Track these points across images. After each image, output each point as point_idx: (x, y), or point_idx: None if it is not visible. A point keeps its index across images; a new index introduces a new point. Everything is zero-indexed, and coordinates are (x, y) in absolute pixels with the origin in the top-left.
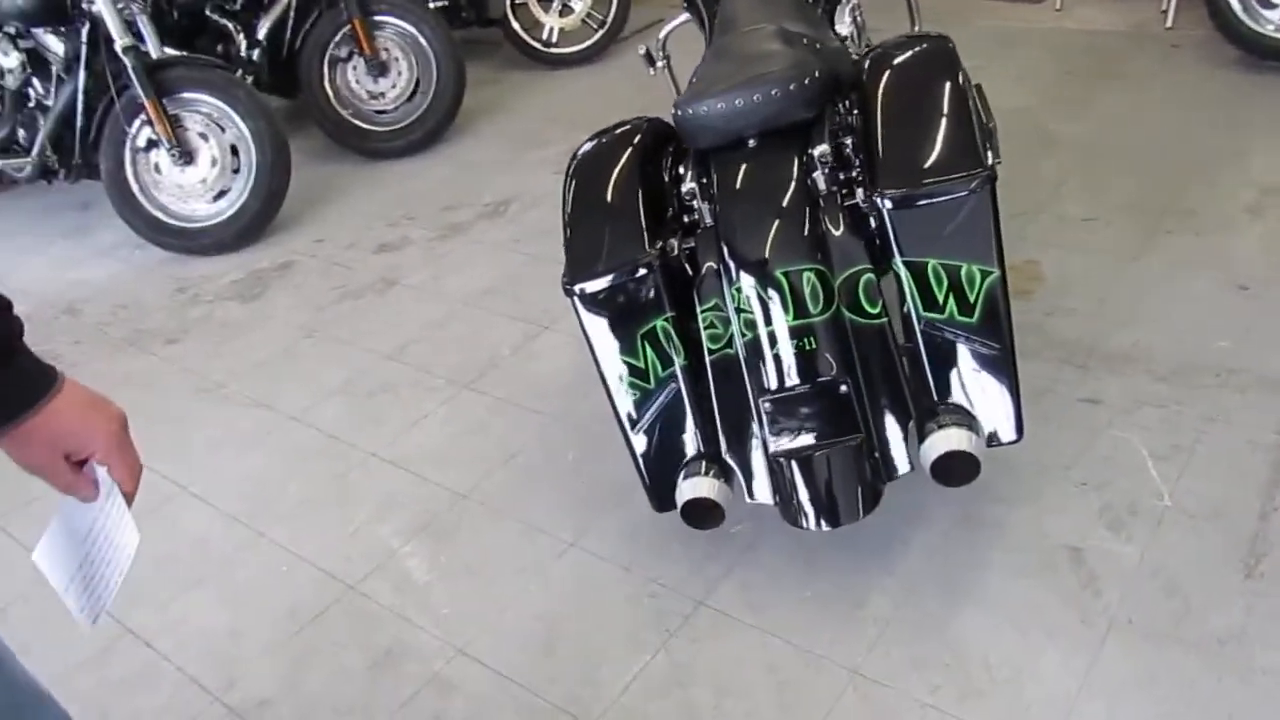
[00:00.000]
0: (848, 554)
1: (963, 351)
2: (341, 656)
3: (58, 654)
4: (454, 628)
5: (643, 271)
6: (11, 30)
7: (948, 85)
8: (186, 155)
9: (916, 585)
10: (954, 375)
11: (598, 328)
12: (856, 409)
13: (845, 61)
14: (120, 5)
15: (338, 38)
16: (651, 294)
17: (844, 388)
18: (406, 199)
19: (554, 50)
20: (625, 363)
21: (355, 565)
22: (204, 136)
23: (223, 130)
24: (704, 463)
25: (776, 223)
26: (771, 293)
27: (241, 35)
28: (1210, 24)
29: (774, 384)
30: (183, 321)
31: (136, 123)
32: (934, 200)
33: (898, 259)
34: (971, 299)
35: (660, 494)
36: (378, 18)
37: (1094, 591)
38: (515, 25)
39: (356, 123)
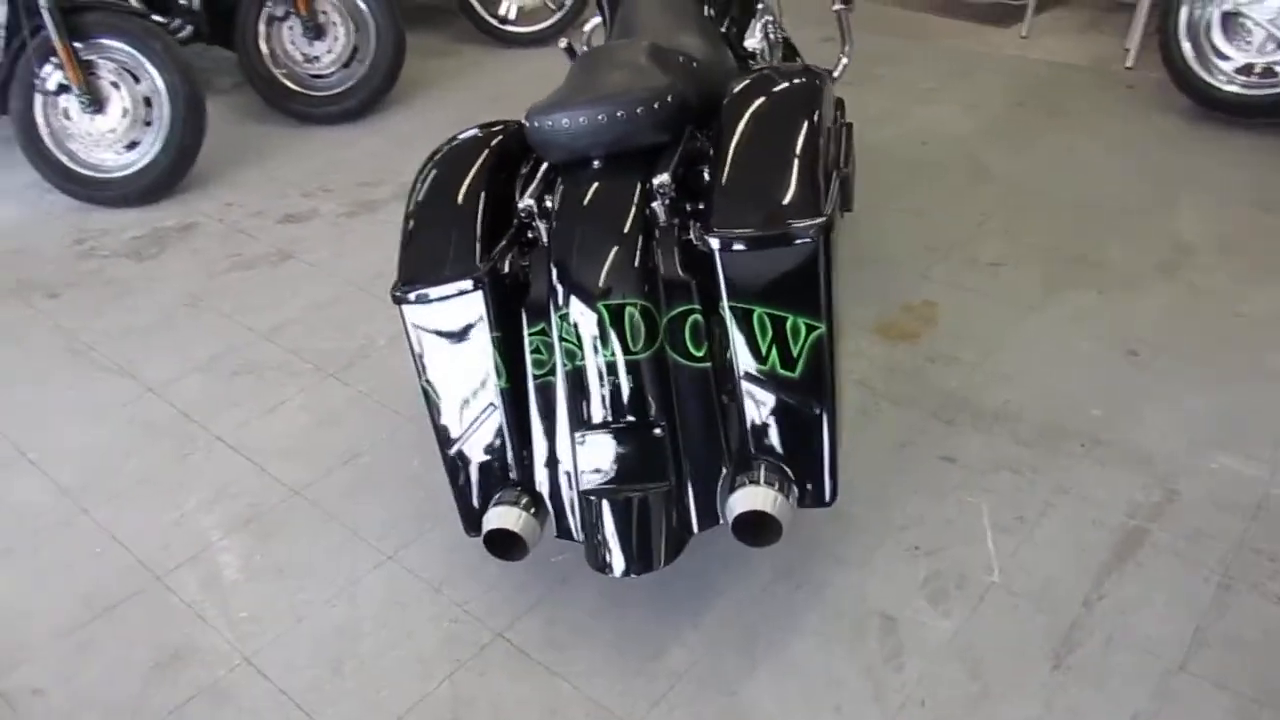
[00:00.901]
0: (660, 598)
1: (782, 406)
2: (128, 651)
3: None
4: (247, 633)
5: (469, 286)
6: None
7: (803, 125)
8: (96, 103)
9: (719, 641)
10: (772, 429)
11: (422, 340)
12: (670, 454)
13: (724, 84)
14: None
15: None
16: (479, 310)
17: (658, 430)
18: (327, 169)
19: (509, 29)
20: (445, 378)
21: (169, 555)
22: (116, 85)
23: (137, 81)
24: (515, 491)
25: (605, 251)
26: (593, 324)
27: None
28: None
29: (589, 418)
30: (71, 275)
31: (48, 65)
32: (763, 246)
33: (724, 302)
34: (795, 352)
35: (469, 517)
36: None
37: (896, 666)
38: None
39: (289, 84)
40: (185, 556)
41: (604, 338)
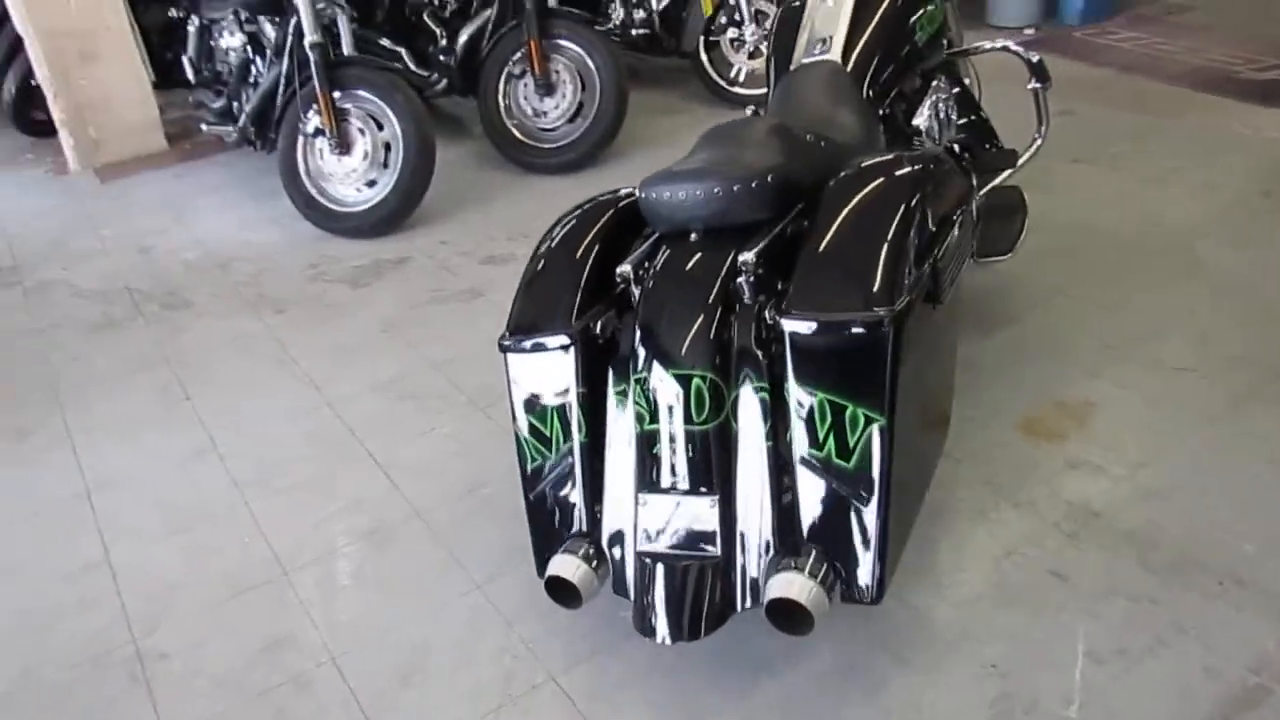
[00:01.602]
0: (713, 667)
1: (834, 496)
2: (244, 633)
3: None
4: (341, 635)
5: (563, 343)
6: (241, 15)
7: (897, 213)
8: (344, 146)
9: None
10: (822, 518)
11: (518, 388)
12: (723, 526)
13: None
14: (321, 5)
15: (517, 55)
16: (568, 367)
17: (714, 502)
18: (534, 216)
19: (737, 90)
20: (533, 426)
21: (300, 553)
22: (362, 131)
23: (380, 128)
24: (581, 542)
25: (684, 322)
26: (664, 391)
27: (444, 39)
28: None
29: (652, 481)
30: (299, 295)
31: (311, 110)
32: (829, 331)
33: (789, 384)
34: (851, 444)
35: (540, 560)
36: (555, 40)
37: None
38: (705, 61)
39: (519, 136)
40: (312, 557)
41: (672, 405)
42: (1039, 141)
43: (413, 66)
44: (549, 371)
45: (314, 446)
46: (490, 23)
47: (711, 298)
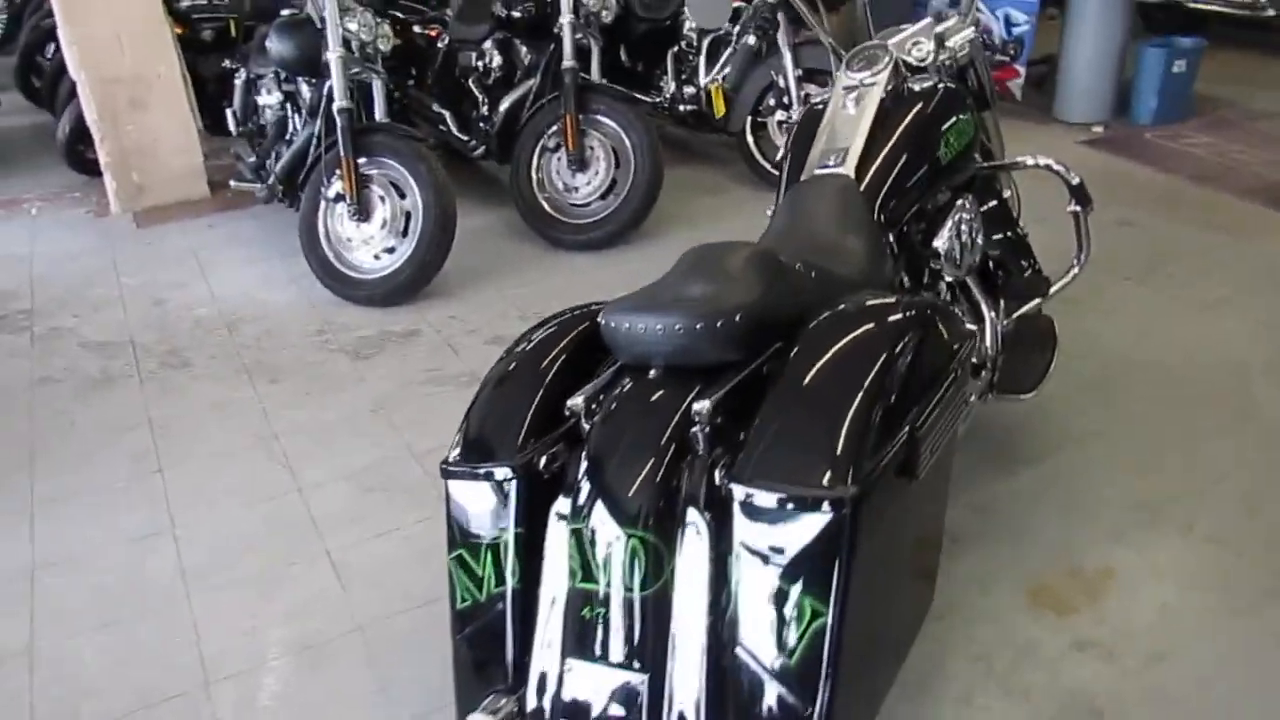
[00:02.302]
0: None
1: (772, 690)
2: None
3: None
4: None
5: (504, 476)
6: (279, 74)
7: (870, 373)
8: (363, 212)
9: None
10: (759, 711)
11: (455, 517)
12: (648, 709)
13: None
14: (356, 70)
15: (553, 128)
16: (506, 503)
17: (640, 680)
18: (551, 295)
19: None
20: (465, 562)
21: (226, 662)
22: (383, 198)
23: (402, 196)
24: (501, 700)
25: (627, 474)
26: (600, 548)
27: (486, 106)
28: None
29: (579, 648)
30: (297, 362)
31: (335, 175)
32: (779, 507)
33: (734, 556)
34: (794, 637)
35: (461, 713)
36: (594, 115)
37: None
38: (750, 142)
39: (549, 209)
40: (237, 669)
41: (607, 565)
42: (1075, 271)
43: (454, 130)
44: (487, 504)
45: (272, 537)
46: (532, 93)
47: (661, 447)
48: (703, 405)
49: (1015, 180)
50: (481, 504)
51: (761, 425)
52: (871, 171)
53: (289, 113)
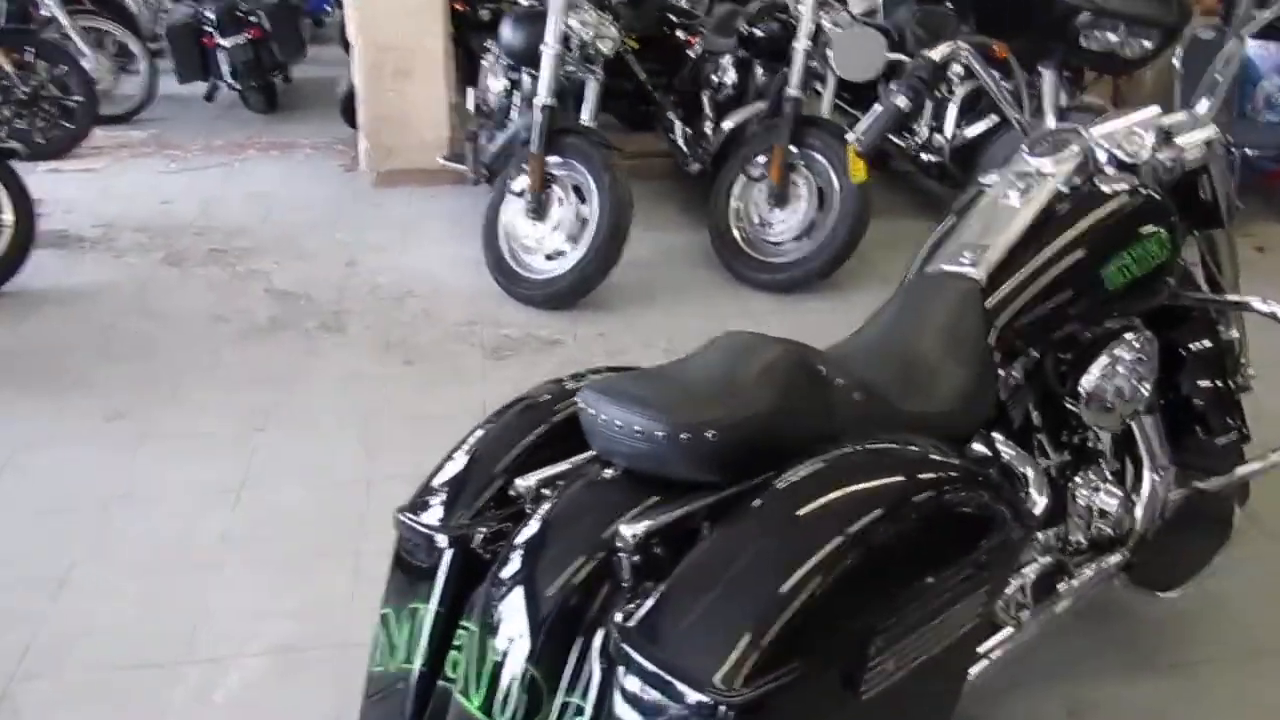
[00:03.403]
0: None
1: None
2: None
3: None
4: None
5: (438, 544)
6: (505, 61)
7: (826, 543)
8: (538, 212)
9: None
10: None
11: (394, 571)
12: None
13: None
14: (571, 69)
15: (761, 157)
16: (435, 574)
17: None
18: (712, 333)
19: None
20: (389, 622)
21: (210, 645)
22: (561, 200)
23: (583, 202)
24: None
25: (535, 587)
26: (486, 663)
27: (711, 123)
28: None
29: None
30: (437, 348)
31: (523, 169)
32: (655, 689)
33: None
34: None
35: None
36: (808, 150)
37: None
38: None
39: (740, 242)
40: (216, 654)
41: (482, 684)
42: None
43: (680, 142)
44: (420, 569)
45: (319, 523)
46: (758, 117)
47: (578, 567)
48: (630, 531)
49: (1244, 323)
50: (415, 566)
51: (677, 578)
52: (1009, 282)
53: (511, 101)
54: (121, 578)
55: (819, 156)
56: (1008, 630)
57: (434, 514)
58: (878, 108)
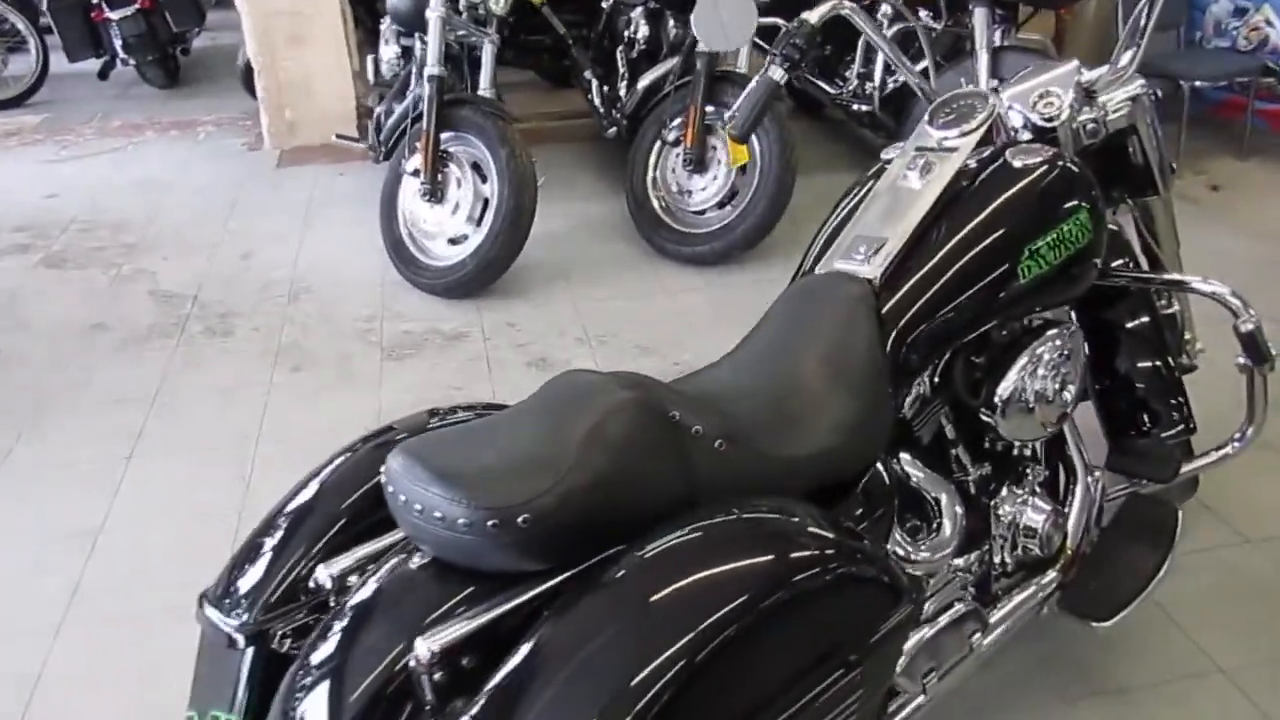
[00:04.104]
0: None
1: None
2: None
3: None
4: None
5: (235, 639)
6: (397, 27)
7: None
8: (434, 194)
9: None
10: None
11: (198, 664)
12: None
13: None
14: (462, 32)
15: (677, 120)
16: (237, 675)
17: None
18: (625, 317)
19: None
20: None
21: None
22: (459, 181)
23: (483, 180)
24: None
25: (332, 706)
26: None
27: (625, 82)
28: None
29: None
30: (329, 351)
31: (416, 147)
32: None
33: None
34: None
35: None
36: (723, 109)
37: None
38: None
39: (659, 211)
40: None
41: None
42: (1228, 451)
43: (596, 103)
44: (223, 667)
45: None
46: (674, 75)
47: (369, 685)
48: (427, 644)
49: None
50: (218, 664)
51: (488, 699)
52: (907, 280)
53: (410, 69)
54: None
55: None
56: (917, 700)
57: (235, 605)
58: (752, 85)
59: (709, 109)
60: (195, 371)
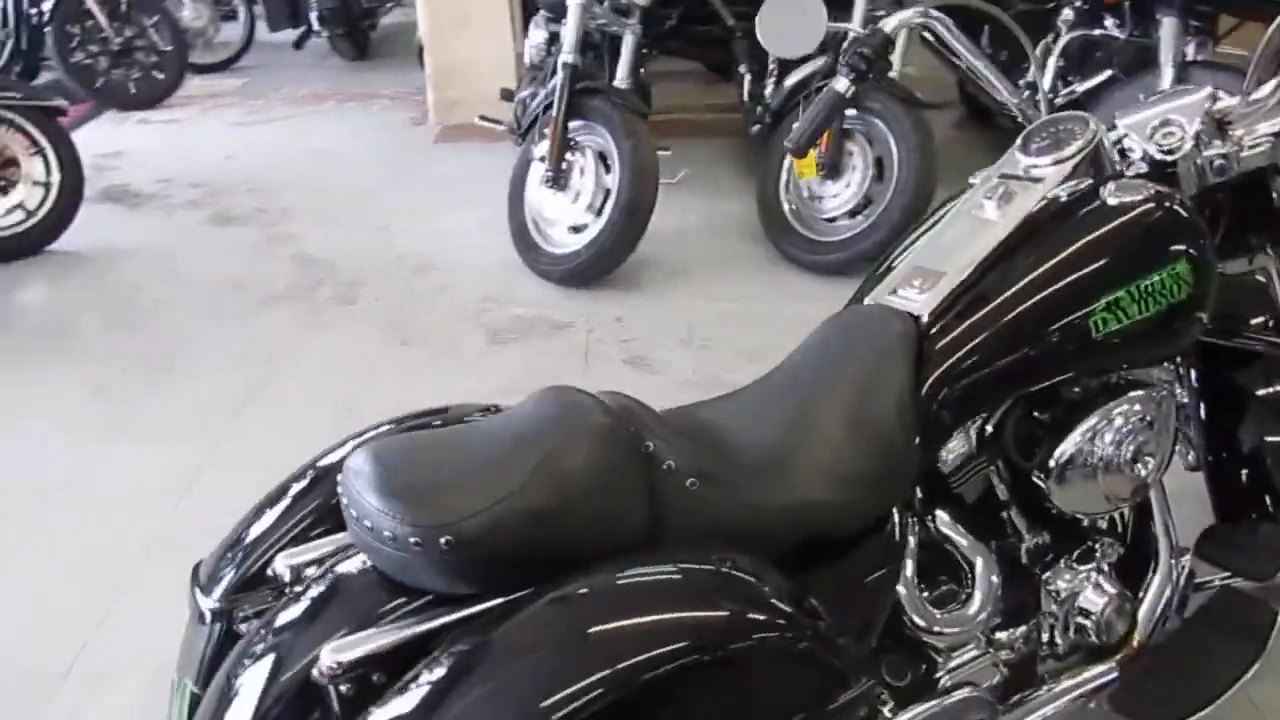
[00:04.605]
0: None
1: None
2: None
3: None
4: None
5: (205, 615)
6: (546, 14)
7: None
8: (557, 181)
9: None
10: None
11: (184, 638)
12: None
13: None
14: (602, 21)
15: None
16: (197, 646)
17: None
18: (740, 323)
19: None
20: (171, 694)
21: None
22: (583, 170)
23: (607, 171)
24: None
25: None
26: None
27: (773, 80)
28: None
29: None
30: (441, 329)
31: (545, 133)
32: None
33: None
34: None
35: None
36: (865, 114)
37: None
38: None
39: (788, 217)
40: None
41: None
42: None
43: (746, 97)
44: (192, 639)
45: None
46: (819, 74)
47: (283, 690)
48: (334, 656)
49: None
50: (191, 637)
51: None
52: (962, 323)
53: (553, 55)
54: (27, 578)
55: (879, 122)
56: None
57: (211, 583)
58: (818, 99)
59: (850, 113)
60: (315, 336)
